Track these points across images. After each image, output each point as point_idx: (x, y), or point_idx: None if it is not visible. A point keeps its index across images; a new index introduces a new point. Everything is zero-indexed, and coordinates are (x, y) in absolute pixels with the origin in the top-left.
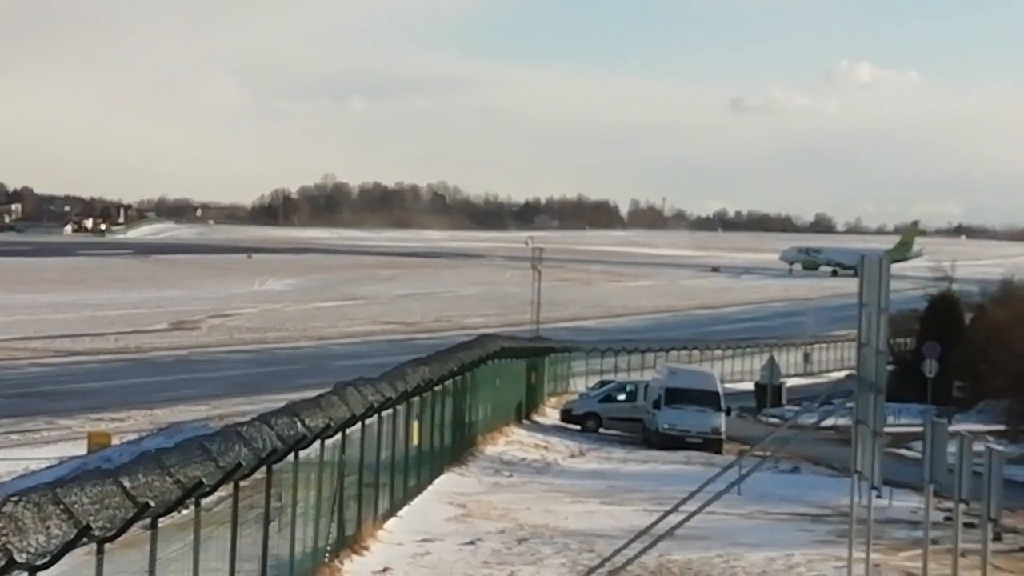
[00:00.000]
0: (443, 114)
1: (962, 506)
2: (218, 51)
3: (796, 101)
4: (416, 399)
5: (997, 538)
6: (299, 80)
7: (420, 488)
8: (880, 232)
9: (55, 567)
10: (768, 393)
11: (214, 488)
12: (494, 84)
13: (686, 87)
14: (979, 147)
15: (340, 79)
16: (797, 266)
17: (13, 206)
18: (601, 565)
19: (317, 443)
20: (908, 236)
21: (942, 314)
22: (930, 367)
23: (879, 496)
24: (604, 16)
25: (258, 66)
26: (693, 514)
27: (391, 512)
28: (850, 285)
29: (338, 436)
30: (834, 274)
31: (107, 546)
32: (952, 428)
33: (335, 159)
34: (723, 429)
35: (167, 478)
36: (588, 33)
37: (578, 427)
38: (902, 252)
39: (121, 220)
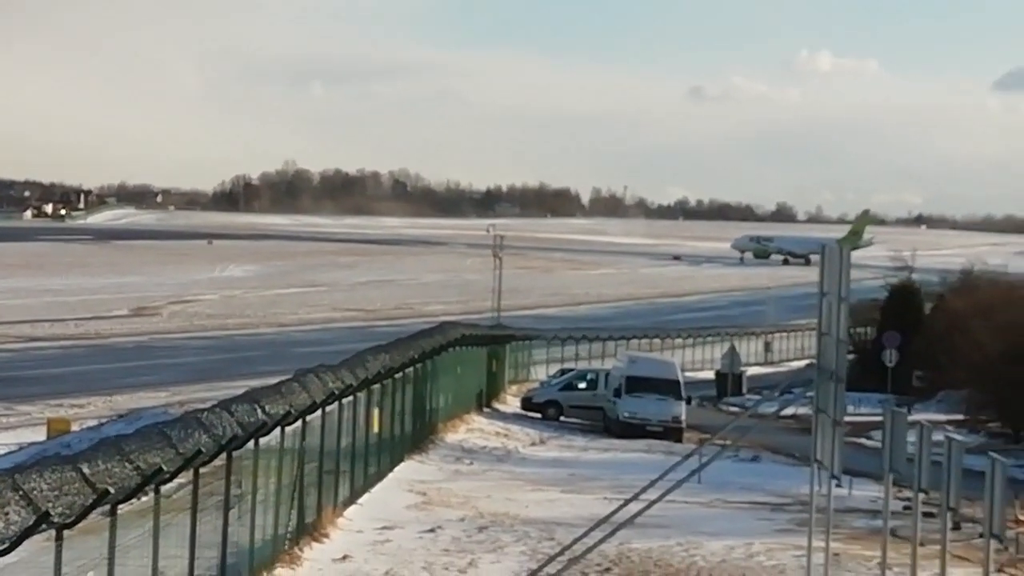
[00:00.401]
0: (403, 101)
1: (921, 495)
2: (176, 36)
3: (756, 90)
4: (377, 386)
5: (956, 527)
6: (257, 65)
7: (380, 476)
8: (841, 221)
9: (14, 553)
10: (729, 382)
11: (174, 475)
12: (454, 71)
13: (646, 75)
14: (939, 137)
15: (298, 65)
16: (748, 254)
17: None
18: (561, 553)
19: (277, 430)
20: (859, 225)
21: (902, 304)
22: (890, 356)
23: (839, 485)
24: (565, 3)
25: (215, 51)
26: (653, 502)
27: (351, 500)
28: (809, 274)
29: (298, 423)
30: (785, 262)
31: (66, 532)
32: (912, 417)
33: (295, 145)
34: (683, 418)
35: (127, 465)
36: (549, 20)
37: (539, 415)
38: (853, 241)
39: (81, 205)
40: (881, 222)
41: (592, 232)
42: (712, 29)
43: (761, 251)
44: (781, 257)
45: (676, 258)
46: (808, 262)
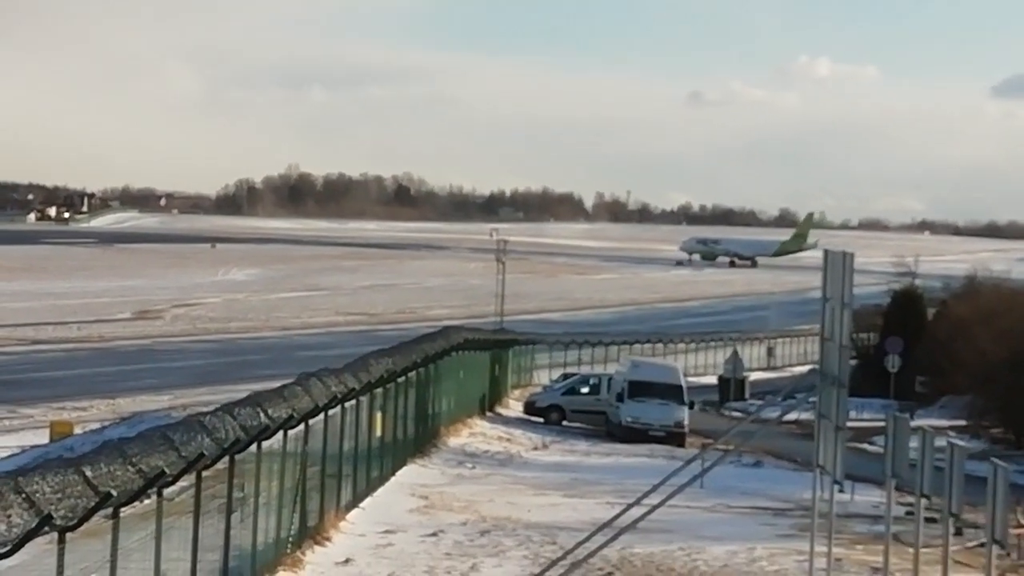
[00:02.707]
0: (404, 106)
1: (924, 501)
2: (176, 40)
3: (755, 95)
4: (379, 390)
5: (958, 533)
6: (256, 70)
7: (383, 479)
8: (844, 227)
9: (16, 556)
10: (731, 387)
11: (176, 478)
12: (456, 76)
13: (646, 80)
14: (940, 143)
15: (298, 69)
16: (696, 256)
17: None
18: (563, 558)
19: (280, 433)
20: (803, 228)
21: (905, 309)
22: (893, 362)
23: (841, 490)
24: (565, 9)
25: (215, 55)
26: (656, 507)
27: (354, 503)
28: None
29: (301, 427)
30: (732, 264)
31: (69, 535)
32: (914, 423)
33: (297, 149)
34: (686, 422)
35: (129, 468)
36: (549, 26)
37: (541, 420)
38: (797, 244)
39: (85, 209)
40: (818, 225)
41: (593, 237)
42: (710, 34)
43: (708, 253)
44: (728, 259)
45: (679, 263)
46: (754, 264)
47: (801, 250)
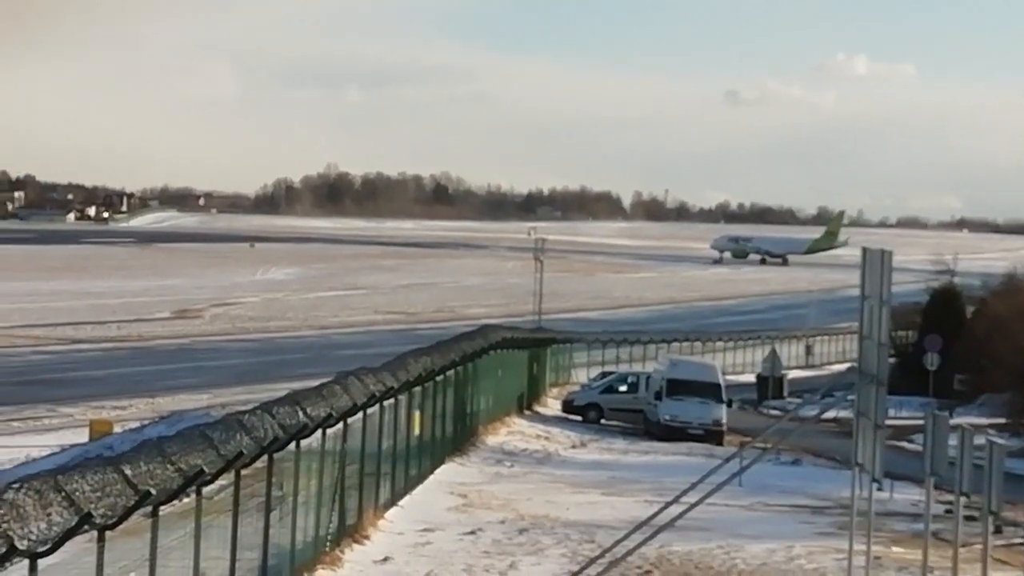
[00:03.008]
0: (442, 105)
1: (963, 499)
2: (214, 40)
3: (792, 93)
4: (418, 389)
5: (998, 531)
6: (294, 69)
7: (421, 478)
8: (882, 225)
9: (56, 554)
10: (769, 385)
11: (215, 476)
12: (492, 75)
13: (682, 78)
14: (978, 140)
15: (334, 68)
16: (727, 254)
17: (16, 194)
18: (601, 556)
19: (319, 432)
20: (833, 226)
21: (944, 307)
22: (932, 360)
23: (880, 488)
24: (601, 8)
25: (253, 55)
26: (694, 505)
27: (392, 502)
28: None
29: (340, 425)
30: (763, 262)
31: (108, 534)
32: (953, 421)
33: (336, 149)
34: (724, 421)
35: (168, 466)
36: (585, 25)
37: (579, 418)
38: (828, 241)
39: (124, 208)
40: (848, 223)
41: (631, 235)
42: (746, 33)
43: (740, 251)
44: (759, 257)
45: (716, 261)
46: (785, 262)
47: (832, 248)
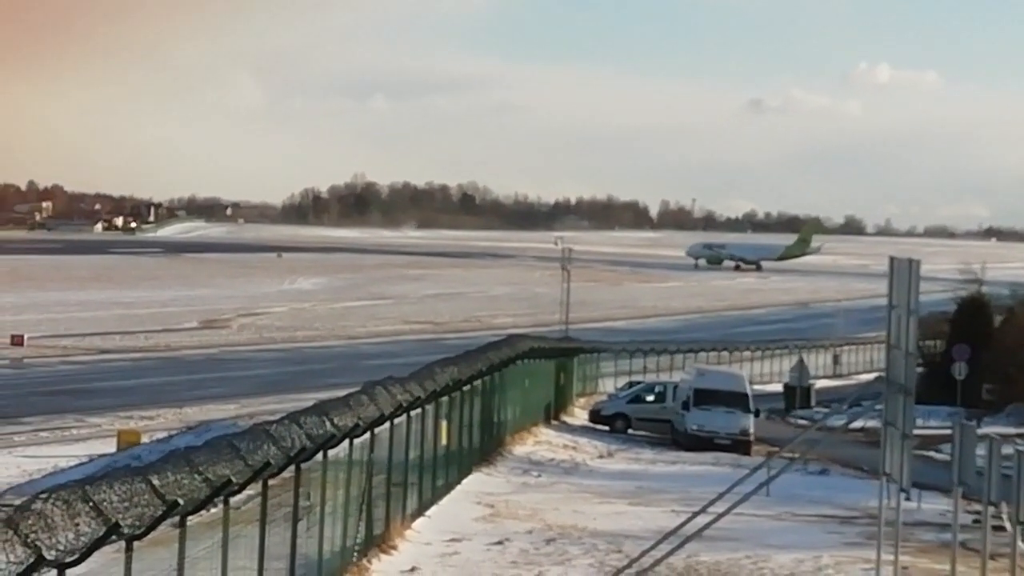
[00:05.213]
0: (469, 115)
1: (991, 509)
2: (241, 50)
3: (816, 102)
4: (445, 399)
5: None
6: (320, 80)
7: (448, 488)
8: (910, 234)
9: (84, 564)
10: (797, 395)
11: (243, 487)
12: (518, 85)
13: (706, 88)
14: (1005, 148)
15: (359, 79)
16: (702, 261)
17: (44, 204)
18: (629, 566)
19: (346, 442)
20: (806, 233)
21: (972, 317)
22: (959, 370)
23: (908, 498)
24: (627, 19)
25: (279, 65)
26: (721, 515)
27: (419, 512)
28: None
29: (367, 435)
30: (737, 268)
31: (136, 544)
32: (981, 431)
33: (363, 159)
34: (752, 430)
35: (196, 476)
36: (611, 35)
37: (607, 428)
38: (800, 248)
39: (151, 218)
40: (821, 231)
41: (658, 245)
42: (770, 42)
43: (714, 257)
44: (733, 263)
45: (737, 267)
46: (759, 268)
47: (804, 254)
